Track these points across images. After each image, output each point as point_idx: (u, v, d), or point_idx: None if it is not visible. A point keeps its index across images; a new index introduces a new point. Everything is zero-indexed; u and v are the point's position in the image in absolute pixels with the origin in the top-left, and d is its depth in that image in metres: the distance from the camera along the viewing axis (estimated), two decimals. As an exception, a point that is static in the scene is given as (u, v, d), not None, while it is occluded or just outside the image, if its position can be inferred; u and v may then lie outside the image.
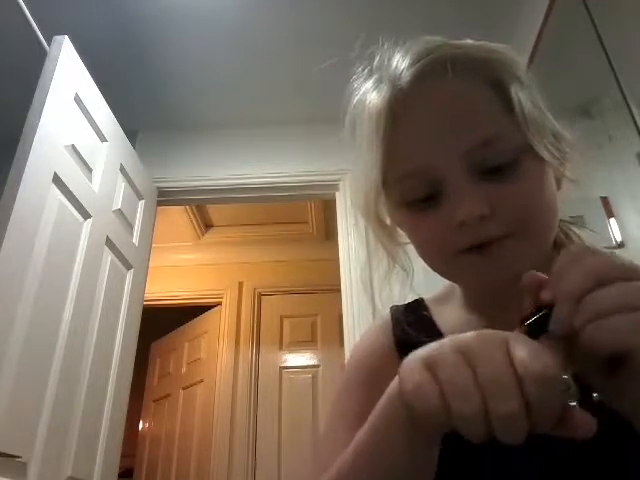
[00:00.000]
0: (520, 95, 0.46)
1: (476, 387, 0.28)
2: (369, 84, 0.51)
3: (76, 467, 1.49)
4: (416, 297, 0.59)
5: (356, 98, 0.52)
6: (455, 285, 0.57)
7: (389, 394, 0.35)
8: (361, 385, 0.53)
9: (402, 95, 0.47)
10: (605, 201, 2.13)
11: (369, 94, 0.50)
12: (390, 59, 0.50)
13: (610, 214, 2.09)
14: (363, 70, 0.53)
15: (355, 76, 0.53)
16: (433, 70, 0.46)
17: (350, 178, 0.52)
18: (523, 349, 0.28)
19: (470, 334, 0.31)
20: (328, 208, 2.97)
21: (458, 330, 0.50)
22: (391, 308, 0.58)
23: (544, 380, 0.27)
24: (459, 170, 0.44)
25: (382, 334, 0.56)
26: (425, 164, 0.46)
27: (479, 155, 0.44)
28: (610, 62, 1.56)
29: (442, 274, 0.51)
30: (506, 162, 0.44)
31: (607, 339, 0.28)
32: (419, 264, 0.52)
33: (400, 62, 0.48)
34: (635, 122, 1.55)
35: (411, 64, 0.47)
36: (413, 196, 0.47)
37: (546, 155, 0.46)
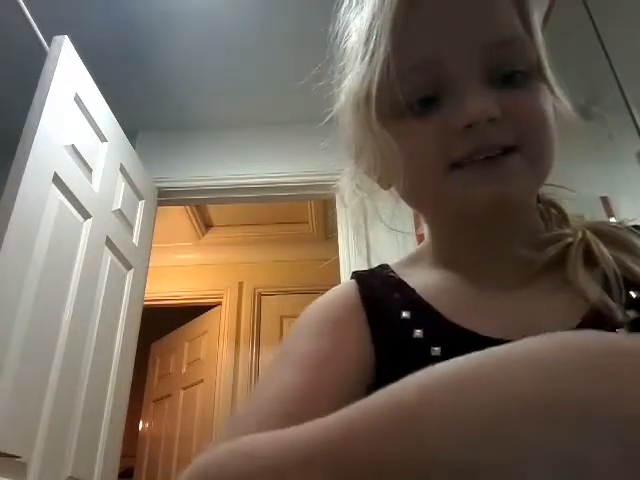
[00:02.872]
0: (538, 23, 0.44)
1: None
2: None
3: (76, 467, 1.49)
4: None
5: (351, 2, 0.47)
6: (422, 248, 0.53)
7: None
8: (325, 332, 0.44)
9: None
10: (605, 201, 2.14)
11: None
12: None
13: (610, 214, 2.09)
14: None
15: None
16: None
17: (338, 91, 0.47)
18: None
19: None
20: (328, 208, 2.97)
21: (433, 286, 0.46)
22: (353, 273, 0.51)
23: None
24: (473, 66, 0.41)
25: (346, 289, 0.49)
26: (438, 54, 0.41)
27: (496, 55, 0.41)
28: (610, 62, 1.56)
29: (431, 199, 0.46)
30: (520, 71, 0.42)
31: None
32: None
33: None
34: (635, 122, 1.55)
35: None
36: (415, 94, 0.42)
37: (552, 80, 0.44)
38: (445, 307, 0.44)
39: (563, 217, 0.48)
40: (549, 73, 0.44)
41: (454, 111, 0.41)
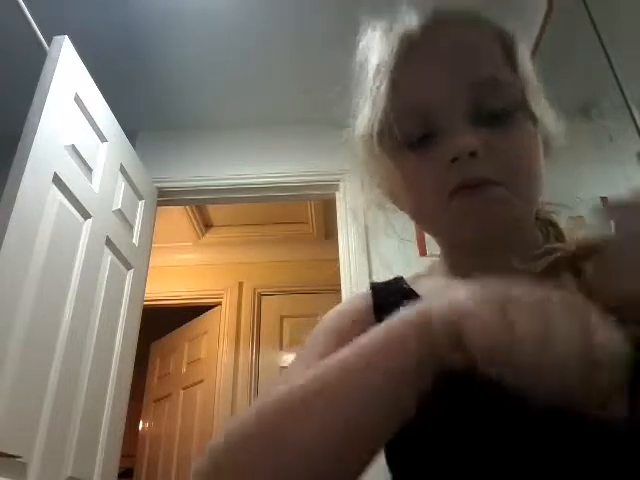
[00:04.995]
0: (524, 56, 0.50)
1: (547, 338, 0.27)
2: (378, 30, 0.53)
3: (76, 467, 1.49)
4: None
5: (365, 42, 0.53)
6: (436, 261, 0.57)
7: (406, 321, 0.34)
8: (334, 340, 0.49)
9: (414, 33, 0.49)
10: (605, 201, 2.13)
11: (379, 37, 0.52)
12: (398, 12, 0.52)
13: (610, 214, 2.09)
14: (369, 25, 0.54)
15: (362, 28, 0.55)
16: (445, 15, 0.50)
17: (353, 126, 0.56)
18: (605, 335, 0.28)
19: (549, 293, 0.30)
20: (328, 208, 2.97)
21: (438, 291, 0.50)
22: (370, 283, 0.58)
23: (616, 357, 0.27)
24: (459, 107, 0.46)
25: (361, 300, 0.55)
26: (427, 101, 0.47)
27: (481, 94, 0.46)
28: (610, 62, 1.56)
29: (433, 226, 0.52)
30: (504, 109, 0.46)
31: None
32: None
33: (411, 13, 0.51)
34: (635, 122, 1.55)
35: (424, 12, 0.50)
36: (413, 134, 0.48)
37: (538, 111, 0.48)
38: None
39: (559, 234, 0.52)
40: (534, 107, 0.48)
41: (444, 147, 0.45)
